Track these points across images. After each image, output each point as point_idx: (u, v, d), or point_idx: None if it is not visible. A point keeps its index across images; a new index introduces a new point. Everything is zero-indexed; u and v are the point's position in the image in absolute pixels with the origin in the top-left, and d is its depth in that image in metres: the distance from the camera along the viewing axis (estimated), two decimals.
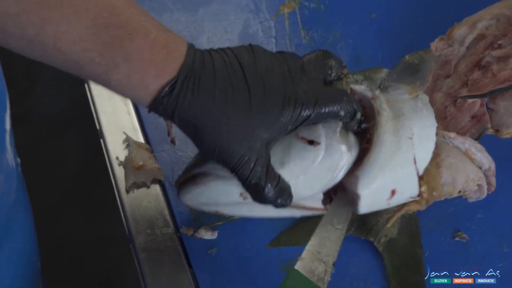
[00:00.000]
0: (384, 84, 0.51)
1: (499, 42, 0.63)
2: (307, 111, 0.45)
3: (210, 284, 0.54)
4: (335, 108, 0.46)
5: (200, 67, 0.43)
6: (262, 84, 0.44)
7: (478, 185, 0.54)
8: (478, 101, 0.62)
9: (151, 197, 0.61)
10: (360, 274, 0.54)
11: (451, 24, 0.66)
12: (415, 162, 0.50)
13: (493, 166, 0.55)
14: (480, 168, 0.56)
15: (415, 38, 0.71)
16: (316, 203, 0.52)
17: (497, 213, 0.57)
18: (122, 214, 0.60)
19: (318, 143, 0.48)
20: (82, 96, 0.73)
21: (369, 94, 0.51)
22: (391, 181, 0.49)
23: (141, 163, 0.61)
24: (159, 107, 0.43)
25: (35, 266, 0.60)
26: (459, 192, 0.54)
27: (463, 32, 0.65)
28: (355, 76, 0.51)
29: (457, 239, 0.55)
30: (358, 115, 0.48)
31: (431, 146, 0.51)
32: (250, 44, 0.46)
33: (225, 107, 0.43)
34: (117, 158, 0.63)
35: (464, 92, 0.61)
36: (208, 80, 0.43)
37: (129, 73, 0.41)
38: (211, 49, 0.45)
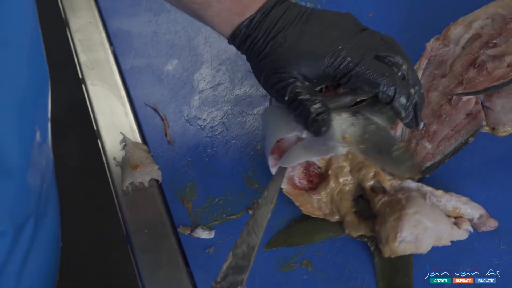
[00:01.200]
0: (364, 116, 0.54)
1: (494, 41, 0.63)
2: (348, 66, 0.50)
3: (208, 283, 0.54)
4: (375, 78, 0.50)
5: (276, 10, 0.52)
6: (321, 31, 0.51)
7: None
8: (473, 98, 0.62)
9: (149, 197, 0.61)
10: (357, 273, 0.54)
11: (447, 23, 0.66)
12: None
13: (483, 211, 0.55)
14: (471, 219, 0.55)
15: (412, 36, 0.71)
16: None
17: (494, 210, 0.57)
18: (119, 214, 0.61)
19: None
20: (80, 97, 0.73)
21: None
22: None
23: (138, 163, 0.61)
24: (237, 37, 0.53)
25: (60, 248, 0.63)
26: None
27: (459, 31, 0.65)
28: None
29: None
30: (402, 100, 0.51)
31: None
32: (348, 12, 0.55)
33: (281, 39, 0.51)
34: (114, 158, 0.63)
35: (460, 90, 0.62)
36: (274, 17, 0.52)
37: (220, 12, 0.52)
38: (303, 6, 0.54)
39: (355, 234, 0.55)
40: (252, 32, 0.52)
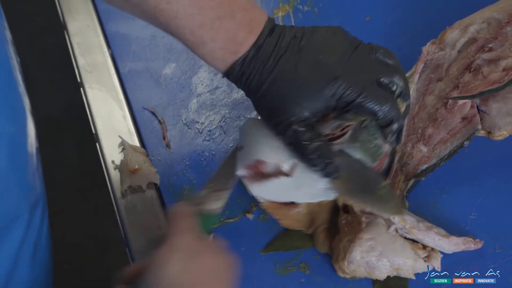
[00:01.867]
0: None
1: (490, 45, 0.64)
2: (350, 96, 0.48)
3: None
4: (375, 107, 0.49)
5: (267, 43, 0.49)
6: (316, 59, 0.49)
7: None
8: (468, 102, 0.62)
9: (147, 200, 0.61)
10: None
11: (443, 27, 0.67)
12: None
13: (460, 243, 0.54)
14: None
15: (408, 40, 0.72)
16: None
17: (490, 214, 0.58)
18: (118, 217, 0.61)
19: None
20: (78, 100, 0.73)
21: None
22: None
23: (136, 166, 0.62)
24: (231, 74, 0.51)
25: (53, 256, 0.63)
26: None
27: (455, 35, 0.65)
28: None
29: None
30: (394, 126, 0.50)
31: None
32: (339, 27, 0.52)
33: (276, 75, 0.49)
34: (112, 162, 0.64)
35: (455, 94, 0.62)
36: (266, 53, 0.49)
37: (214, 50, 0.49)
38: (292, 26, 0.51)
39: (320, 250, 0.56)
40: (246, 70, 0.50)
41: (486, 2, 0.67)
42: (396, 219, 0.54)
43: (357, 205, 0.55)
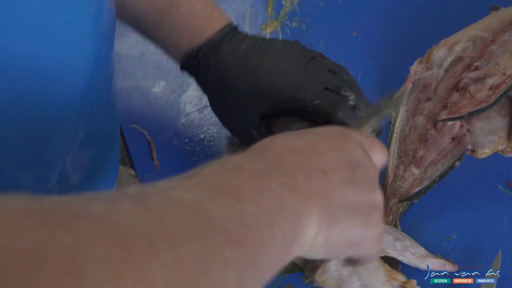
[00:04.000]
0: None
1: (476, 63, 0.64)
2: (302, 102, 0.50)
3: None
4: (329, 111, 0.50)
5: (225, 42, 0.52)
6: (273, 65, 0.51)
7: None
8: (457, 122, 0.63)
9: None
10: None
11: (430, 43, 0.67)
12: None
13: (436, 264, 0.55)
14: None
15: (395, 56, 0.73)
16: None
17: (474, 231, 0.58)
18: None
19: None
20: None
21: None
22: None
23: (125, 187, 0.62)
24: (187, 65, 0.54)
25: None
26: None
27: (442, 54, 0.66)
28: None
29: None
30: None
31: None
32: (296, 40, 0.53)
33: (231, 80, 0.51)
34: None
35: (444, 114, 0.62)
36: (224, 54, 0.51)
37: (172, 33, 0.52)
38: (257, 35, 0.54)
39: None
40: (202, 67, 0.52)
41: (471, 19, 0.68)
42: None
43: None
